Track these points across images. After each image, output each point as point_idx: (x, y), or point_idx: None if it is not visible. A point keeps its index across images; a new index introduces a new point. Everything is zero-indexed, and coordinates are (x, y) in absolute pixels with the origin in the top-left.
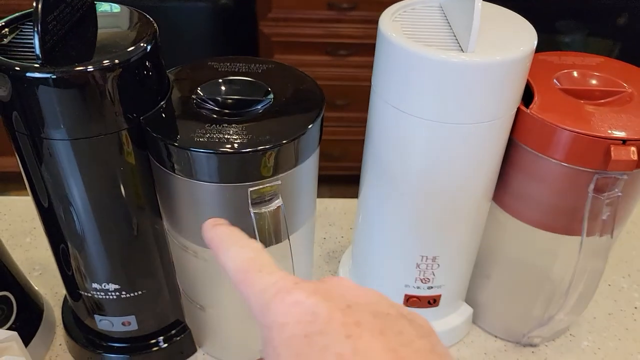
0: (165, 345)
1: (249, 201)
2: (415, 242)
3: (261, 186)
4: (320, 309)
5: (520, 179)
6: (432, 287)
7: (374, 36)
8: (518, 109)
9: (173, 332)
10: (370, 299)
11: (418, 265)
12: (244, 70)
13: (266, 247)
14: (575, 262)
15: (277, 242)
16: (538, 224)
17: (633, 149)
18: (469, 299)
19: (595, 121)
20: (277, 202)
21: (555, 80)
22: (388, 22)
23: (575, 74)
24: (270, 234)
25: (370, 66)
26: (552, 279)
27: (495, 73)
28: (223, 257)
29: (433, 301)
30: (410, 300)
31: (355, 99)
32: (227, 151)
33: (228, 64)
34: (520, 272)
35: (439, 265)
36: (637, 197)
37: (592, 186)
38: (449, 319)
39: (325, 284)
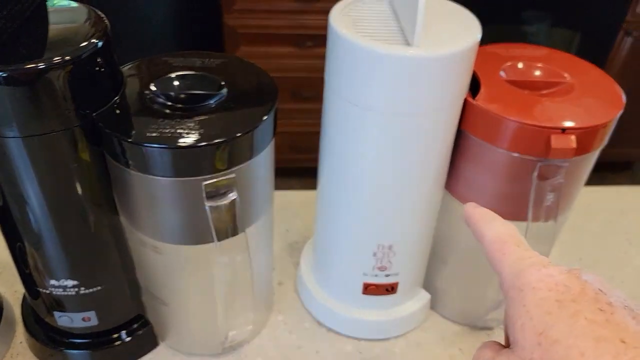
0: (127, 339)
1: (204, 195)
2: (371, 231)
3: (215, 180)
4: (573, 284)
5: (470, 168)
6: (389, 275)
7: None
8: (465, 100)
9: (134, 326)
10: (619, 294)
11: (375, 254)
12: (198, 64)
13: (222, 239)
14: None
15: (233, 235)
16: None
17: (572, 137)
18: (427, 286)
19: (537, 111)
20: (232, 196)
21: (501, 71)
22: (338, 16)
23: (520, 65)
24: (226, 226)
25: None
26: None
27: (439, 66)
28: (483, 228)
29: (391, 288)
30: (369, 289)
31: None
32: (179, 146)
33: (182, 59)
34: (474, 257)
35: (395, 253)
36: (579, 183)
37: (535, 174)
38: (407, 305)
39: (575, 270)
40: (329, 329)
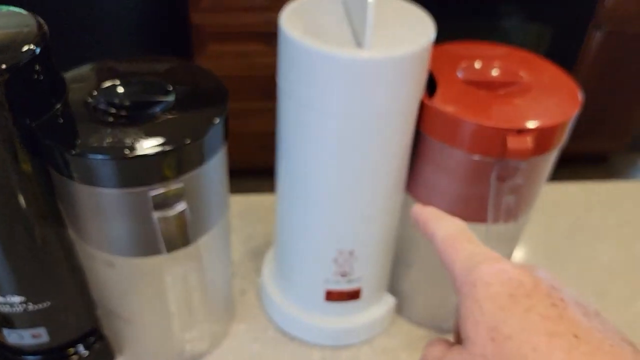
0: (82, 355)
1: (151, 205)
2: (330, 237)
3: (163, 190)
4: (526, 279)
5: (430, 170)
6: (351, 281)
7: None
8: (422, 101)
9: (89, 341)
10: (571, 291)
11: (336, 260)
12: (145, 70)
13: (172, 251)
14: None
15: (184, 246)
16: (449, 213)
17: (528, 138)
18: (393, 290)
19: (494, 112)
20: (181, 206)
21: (458, 71)
22: (289, 18)
23: (477, 65)
24: (176, 237)
25: None
26: None
27: (391, 68)
28: (433, 226)
29: (354, 294)
30: (331, 295)
31: None
32: (123, 155)
33: (128, 64)
34: (437, 260)
35: (356, 258)
36: (538, 184)
37: (494, 175)
38: (372, 311)
39: (528, 266)
40: (293, 337)
